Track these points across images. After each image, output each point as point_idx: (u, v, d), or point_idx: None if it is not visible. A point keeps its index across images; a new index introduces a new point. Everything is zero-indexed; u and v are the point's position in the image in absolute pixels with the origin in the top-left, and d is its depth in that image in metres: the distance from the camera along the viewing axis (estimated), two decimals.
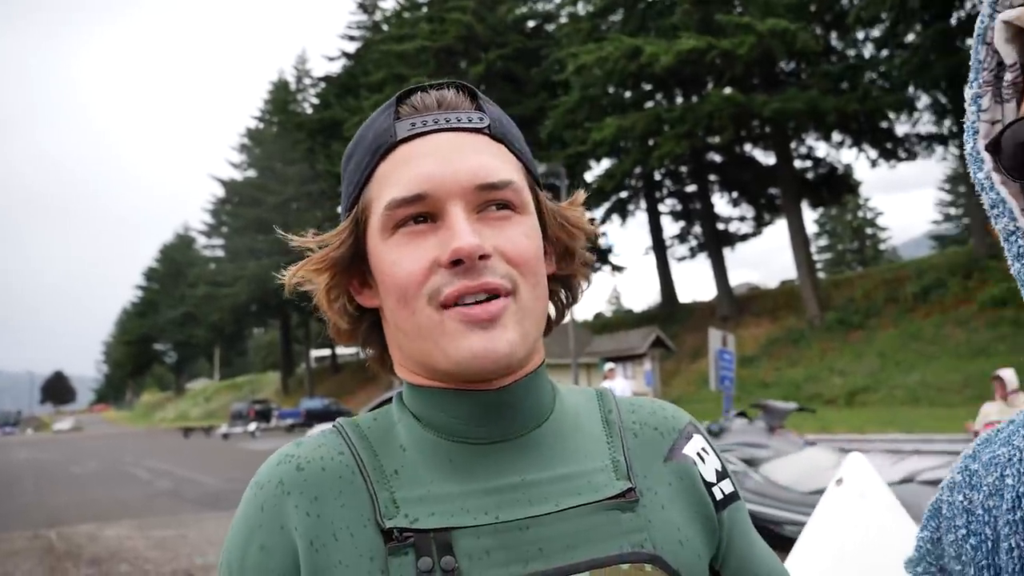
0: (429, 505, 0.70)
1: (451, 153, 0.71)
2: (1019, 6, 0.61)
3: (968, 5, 22.63)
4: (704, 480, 0.79)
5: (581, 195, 0.84)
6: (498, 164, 0.72)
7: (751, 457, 6.56)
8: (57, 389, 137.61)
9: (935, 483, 5.26)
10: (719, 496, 0.80)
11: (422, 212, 0.70)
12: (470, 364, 0.69)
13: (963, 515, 0.67)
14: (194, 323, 65.79)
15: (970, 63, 0.65)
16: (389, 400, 0.83)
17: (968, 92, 0.66)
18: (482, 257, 0.68)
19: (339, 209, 0.81)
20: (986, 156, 0.65)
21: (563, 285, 0.82)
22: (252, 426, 38.27)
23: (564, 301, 0.83)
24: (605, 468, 0.76)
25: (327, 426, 0.80)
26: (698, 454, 0.81)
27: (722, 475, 0.81)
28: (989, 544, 0.65)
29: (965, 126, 0.66)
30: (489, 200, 0.71)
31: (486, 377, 0.71)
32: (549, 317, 0.80)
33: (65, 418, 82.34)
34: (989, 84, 0.65)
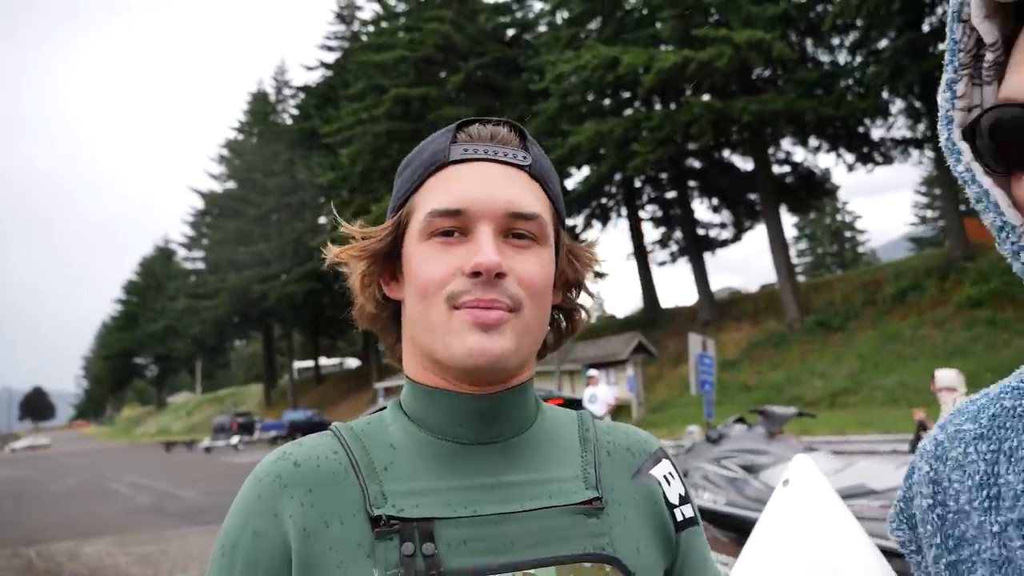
0: (415, 497, 0.78)
1: (492, 181, 0.81)
2: None
3: (940, 11, 22.99)
4: (667, 500, 0.88)
5: (597, 236, 0.95)
6: (530, 199, 0.82)
7: (751, 464, 6.38)
8: (36, 405, 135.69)
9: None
10: (679, 518, 0.88)
11: (456, 226, 0.80)
12: (465, 360, 0.77)
13: (929, 485, 0.71)
14: (175, 336, 65.24)
15: (946, 46, 0.63)
16: (382, 409, 0.91)
17: (944, 77, 0.63)
18: (499, 275, 0.77)
19: (387, 209, 0.90)
20: (963, 146, 0.61)
21: (564, 315, 0.92)
22: (235, 439, 38.02)
23: (563, 330, 0.92)
24: (576, 477, 0.84)
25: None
26: (664, 477, 0.90)
27: (684, 500, 0.90)
28: (951, 515, 0.68)
29: (939, 115, 0.64)
30: (515, 228, 0.80)
31: (478, 374, 0.79)
32: (546, 341, 0.89)
33: (28, 436, 76.20)
34: (966, 67, 0.62)
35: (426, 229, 0.80)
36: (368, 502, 0.76)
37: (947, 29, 0.63)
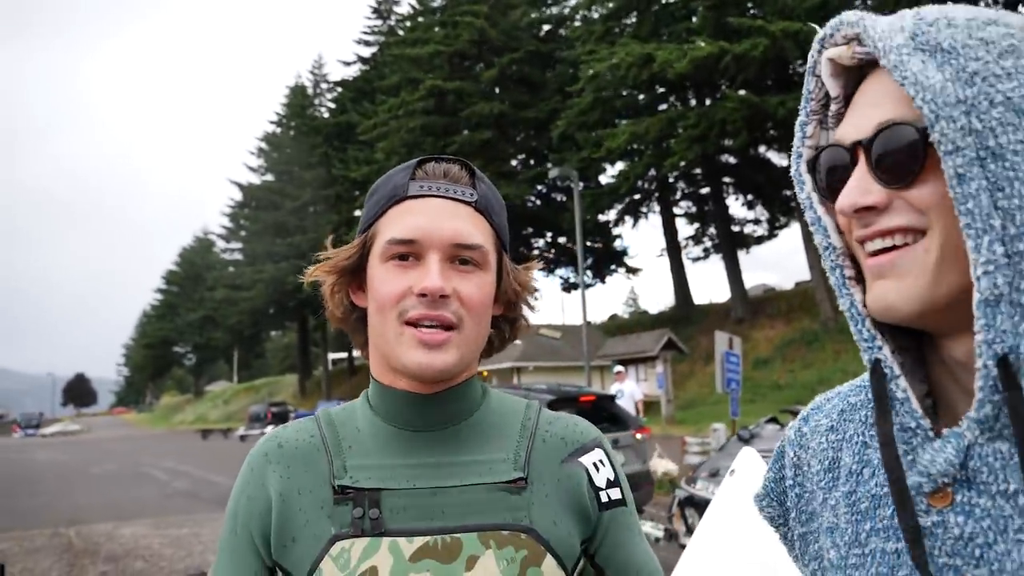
0: (368, 471, 0.96)
1: (440, 215, 0.97)
2: (842, 44, 0.71)
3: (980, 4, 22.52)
4: (594, 484, 1.02)
5: (536, 264, 1.10)
6: (472, 231, 0.97)
7: None
8: (78, 391, 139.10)
9: None
10: (604, 499, 1.03)
11: (410, 252, 0.96)
12: (412, 371, 0.95)
13: (792, 468, 0.86)
14: (213, 326, 66.38)
15: (803, 94, 0.78)
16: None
17: (798, 120, 0.77)
18: (443, 296, 0.94)
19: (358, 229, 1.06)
20: (807, 178, 0.76)
21: (507, 323, 1.07)
22: (269, 428, 38.45)
23: (507, 335, 1.08)
24: (507, 460, 1.00)
25: None
26: (594, 464, 1.04)
27: (612, 484, 1.04)
28: (806, 495, 0.83)
29: (792, 150, 0.78)
30: (460, 255, 0.96)
31: (423, 381, 0.97)
32: (491, 342, 1.06)
33: (60, 423, 75.59)
34: (816, 113, 0.76)
35: (385, 253, 0.96)
36: (332, 474, 0.96)
37: (805, 80, 0.77)
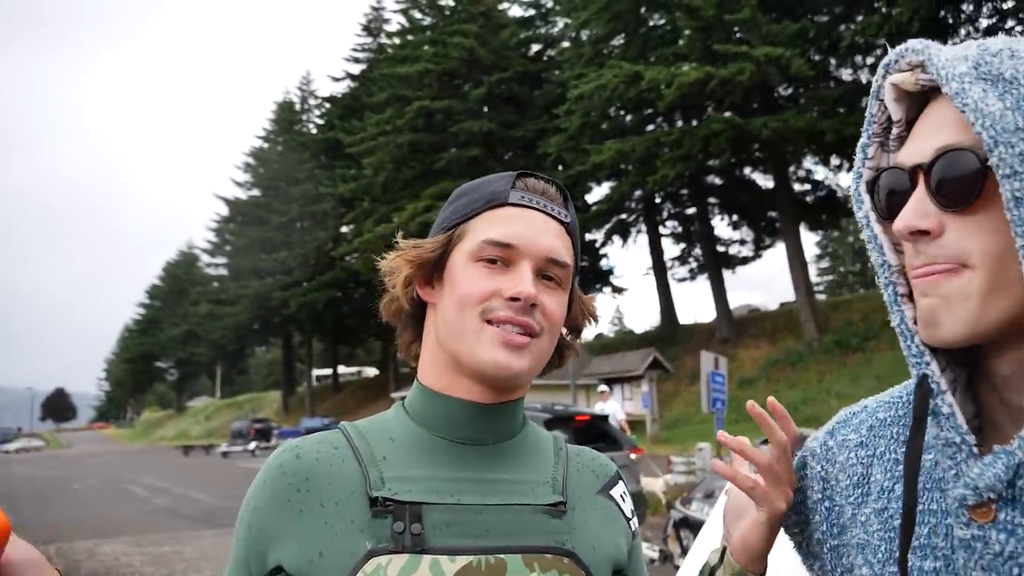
0: (407, 483, 0.92)
1: (540, 228, 0.97)
2: (906, 71, 0.74)
3: (963, 32, 22.92)
4: (624, 515, 1.06)
5: (595, 296, 1.11)
6: (564, 250, 0.98)
7: None
8: (58, 406, 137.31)
9: None
10: (633, 528, 1.07)
11: (503, 256, 0.95)
12: (487, 369, 0.93)
13: (819, 482, 0.89)
14: (196, 341, 65.85)
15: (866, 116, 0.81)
16: None
17: (860, 142, 0.80)
18: (533, 305, 0.93)
19: (436, 221, 1.06)
20: (865, 197, 0.79)
21: (558, 350, 1.05)
22: (252, 445, 38.23)
23: (554, 362, 1.07)
24: (546, 483, 0.99)
25: None
26: (621, 495, 1.08)
27: (633, 514, 1.09)
28: (836, 508, 0.85)
29: (853, 170, 0.82)
30: (549, 271, 0.97)
31: (496, 383, 0.95)
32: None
33: (23, 439, 72.23)
34: (877, 136, 0.79)
35: (477, 252, 0.95)
36: (368, 485, 0.91)
37: (868, 104, 0.80)
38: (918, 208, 0.69)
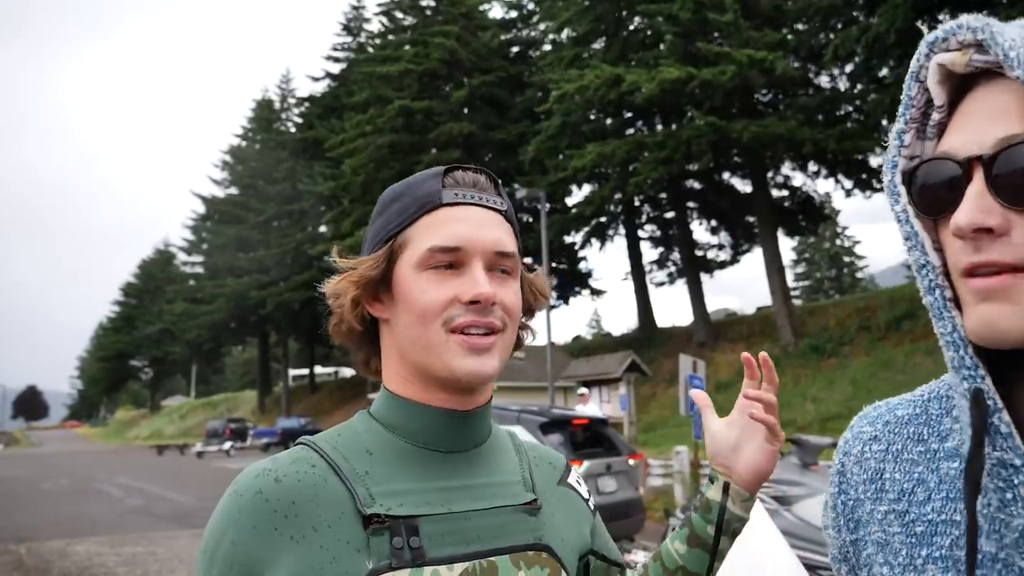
0: (398, 497, 0.90)
1: (481, 224, 0.95)
2: (955, 50, 0.66)
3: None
4: (583, 499, 1.11)
5: (541, 269, 1.10)
6: (508, 239, 0.98)
7: (783, 495, 6.09)
8: (30, 404, 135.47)
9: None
10: (592, 508, 1.13)
11: (453, 260, 0.93)
12: (462, 378, 0.92)
13: (836, 476, 0.87)
14: (171, 339, 65.21)
15: (902, 100, 0.74)
16: None
17: (895, 126, 0.73)
18: (492, 303, 0.93)
19: (366, 234, 1.02)
20: (902, 190, 0.71)
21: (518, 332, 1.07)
22: (227, 445, 37.91)
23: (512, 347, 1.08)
24: (518, 482, 1.02)
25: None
26: (576, 481, 1.13)
27: (589, 494, 1.15)
28: (851, 502, 0.83)
29: (886, 159, 0.74)
30: (499, 264, 0.96)
31: (470, 388, 0.96)
32: None
33: None
34: (915, 121, 0.72)
35: (425, 261, 0.93)
36: (359, 503, 0.88)
37: (904, 86, 0.72)
38: (980, 203, 0.62)
